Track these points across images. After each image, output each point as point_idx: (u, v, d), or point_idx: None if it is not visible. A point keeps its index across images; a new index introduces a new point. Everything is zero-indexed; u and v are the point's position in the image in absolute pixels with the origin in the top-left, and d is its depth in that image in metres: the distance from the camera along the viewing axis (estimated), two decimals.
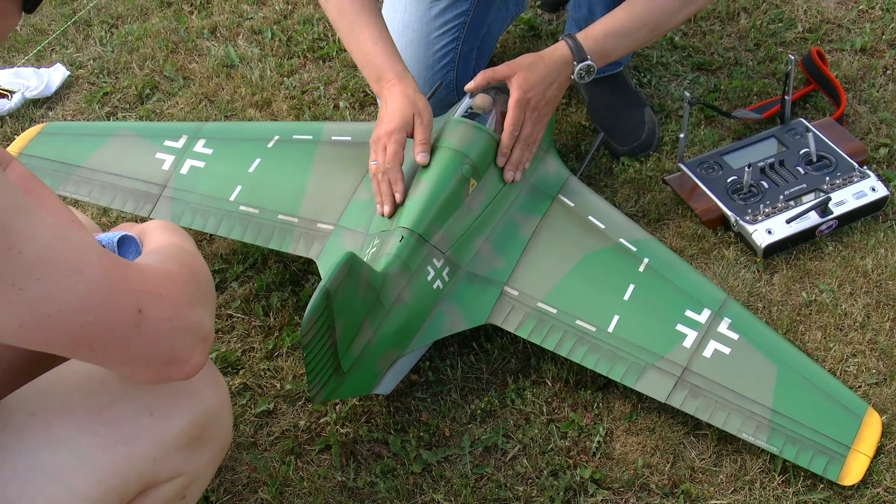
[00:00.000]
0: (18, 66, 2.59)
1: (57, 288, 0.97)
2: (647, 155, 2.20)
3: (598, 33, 1.89)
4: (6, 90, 2.52)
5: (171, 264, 1.15)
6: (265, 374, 1.85)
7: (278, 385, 1.82)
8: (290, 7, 2.83)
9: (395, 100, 1.80)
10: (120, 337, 1.03)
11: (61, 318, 0.98)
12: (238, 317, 1.95)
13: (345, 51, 2.59)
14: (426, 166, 1.78)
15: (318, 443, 1.73)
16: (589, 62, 1.87)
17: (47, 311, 0.97)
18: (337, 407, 1.77)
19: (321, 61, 2.63)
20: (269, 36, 2.72)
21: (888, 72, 2.38)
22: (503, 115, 1.87)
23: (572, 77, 1.89)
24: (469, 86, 1.88)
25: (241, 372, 1.85)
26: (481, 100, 1.89)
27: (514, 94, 1.84)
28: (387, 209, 1.75)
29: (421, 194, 1.74)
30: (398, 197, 1.74)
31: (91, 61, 2.70)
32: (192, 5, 2.90)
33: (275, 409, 1.79)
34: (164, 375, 1.12)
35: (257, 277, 2.02)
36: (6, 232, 0.93)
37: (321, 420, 1.76)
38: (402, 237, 1.68)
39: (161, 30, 2.78)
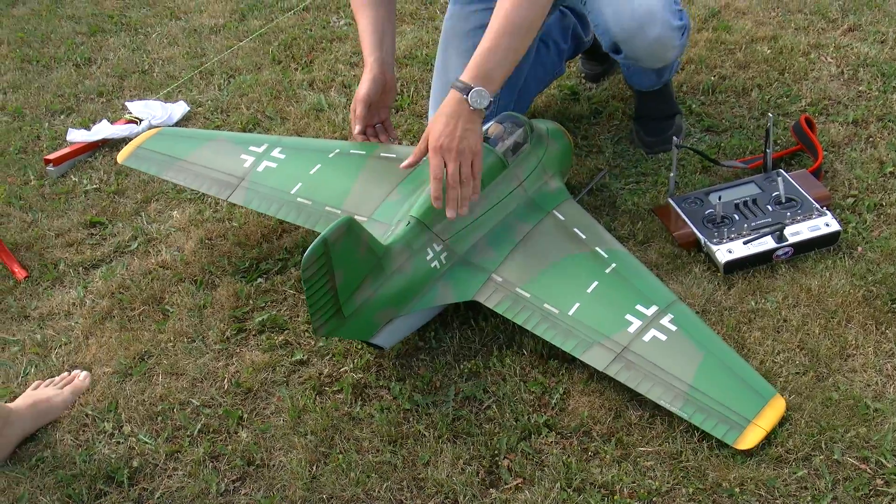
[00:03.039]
0: (150, 100, 3.18)
1: None
2: (668, 148, 2.69)
3: (473, 61, 2.15)
4: (137, 118, 3.11)
5: None
6: (304, 334, 2.31)
7: (313, 342, 2.28)
8: None
9: (361, 87, 2.45)
10: None
11: None
12: (291, 293, 2.43)
13: (414, 102, 3.10)
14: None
15: (336, 385, 2.17)
16: (476, 88, 2.11)
17: None
18: (354, 360, 2.21)
19: (394, 110, 3.13)
20: (355, 88, 3.24)
21: (871, 139, 2.74)
22: (514, 144, 2.32)
23: (472, 107, 2.11)
24: (404, 164, 2.23)
25: (285, 332, 2.32)
26: (494, 128, 2.36)
27: (429, 147, 2.15)
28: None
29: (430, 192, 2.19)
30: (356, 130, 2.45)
31: (209, 101, 3.28)
32: (297, 63, 3.46)
33: (307, 360, 2.24)
34: None
35: None
36: None
37: (341, 369, 2.20)
38: (409, 223, 2.14)
39: (269, 80, 3.35)
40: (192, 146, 2.56)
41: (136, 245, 2.64)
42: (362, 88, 2.45)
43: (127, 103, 3.21)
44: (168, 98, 3.29)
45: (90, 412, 2.15)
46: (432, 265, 2.16)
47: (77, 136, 3.05)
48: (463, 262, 2.21)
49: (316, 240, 1.86)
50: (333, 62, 3.44)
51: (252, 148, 2.52)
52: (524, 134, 2.38)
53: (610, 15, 2.45)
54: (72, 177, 2.95)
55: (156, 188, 2.86)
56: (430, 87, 3.17)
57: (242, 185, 2.45)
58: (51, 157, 2.96)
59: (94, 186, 2.90)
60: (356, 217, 2.24)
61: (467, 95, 2.12)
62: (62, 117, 3.29)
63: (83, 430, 2.13)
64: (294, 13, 3.79)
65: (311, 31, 3.68)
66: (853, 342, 2.12)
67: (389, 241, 2.10)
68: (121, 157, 2.62)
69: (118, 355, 2.28)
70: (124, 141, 3.03)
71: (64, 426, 2.13)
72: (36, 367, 2.29)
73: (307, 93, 3.27)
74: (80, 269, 2.59)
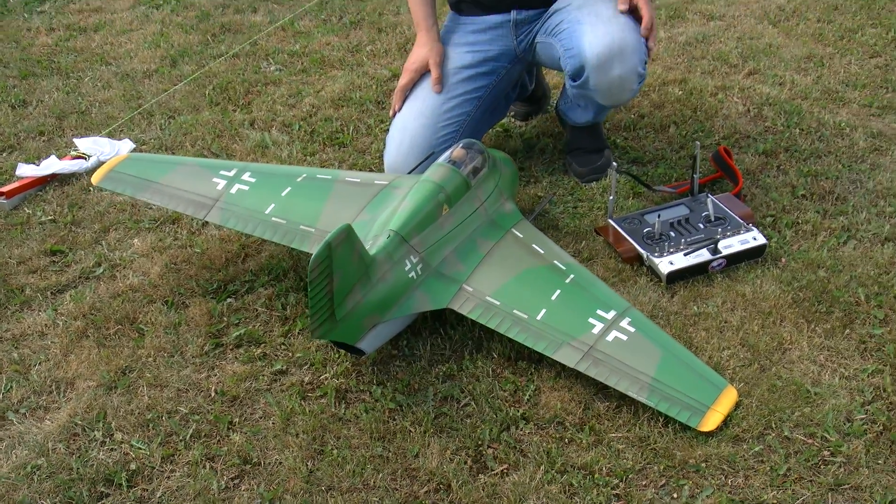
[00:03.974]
0: (97, 136, 3.27)
1: None
2: (599, 178, 2.97)
3: None
4: (85, 154, 3.18)
5: None
6: (281, 346, 2.43)
7: (290, 354, 2.40)
8: (314, 109, 3.53)
9: (418, 45, 2.90)
10: None
11: None
12: (263, 310, 2.54)
13: (355, 139, 3.27)
14: (410, 194, 2.40)
15: (318, 391, 2.29)
16: None
17: None
18: (333, 368, 2.34)
19: (337, 147, 3.29)
20: (297, 128, 3.41)
21: (781, 167, 3.04)
22: (474, 168, 2.52)
23: None
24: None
25: (262, 345, 2.43)
26: (458, 152, 2.54)
27: None
28: (393, 112, 2.93)
29: (407, 208, 2.37)
30: (397, 107, 2.90)
31: (152, 140, 3.37)
32: (235, 105, 3.60)
33: (287, 369, 2.36)
34: None
35: (278, 285, 2.62)
36: None
37: (321, 377, 2.33)
38: (390, 236, 2.30)
39: (210, 120, 3.47)
40: (164, 170, 2.67)
41: (101, 270, 2.72)
42: (434, 51, 2.89)
43: (75, 139, 3.28)
44: (112, 136, 3.37)
45: (79, 422, 2.21)
46: (410, 275, 2.32)
47: (27, 170, 3.10)
48: (436, 274, 2.37)
49: (321, 245, 2.00)
50: (271, 103, 3.58)
51: (222, 172, 2.65)
52: (483, 160, 2.58)
53: (587, 40, 2.69)
54: (25, 209, 3.00)
55: (112, 219, 2.94)
56: (367, 126, 3.37)
57: (218, 205, 2.57)
58: (3, 189, 3.01)
59: (50, 218, 2.95)
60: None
61: None
62: (4, 155, 3.33)
63: (74, 439, 2.19)
64: (225, 59, 3.92)
65: (244, 75, 3.81)
66: (788, 338, 2.36)
67: (374, 251, 2.25)
68: (95, 178, 2.70)
69: (100, 370, 2.35)
70: (74, 175, 3.10)
71: (54, 436, 2.18)
72: (17, 382, 2.34)
73: (249, 131, 3.40)
74: (48, 293, 2.64)
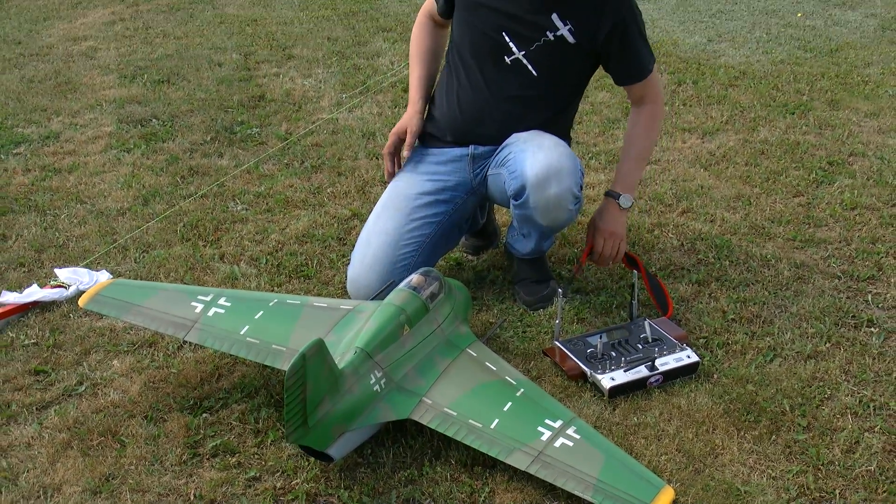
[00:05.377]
0: (76, 267, 3.48)
1: None
2: (546, 306, 3.23)
3: (620, 177, 3.25)
4: (65, 283, 3.39)
5: None
6: (254, 455, 2.61)
7: (263, 462, 2.58)
8: (280, 245, 3.78)
9: (405, 114, 3.35)
10: None
11: None
12: (237, 424, 2.73)
13: (318, 273, 3.53)
14: (374, 315, 2.65)
15: (290, 495, 2.47)
16: (623, 195, 3.22)
17: None
18: (303, 474, 2.53)
19: (302, 279, 3.54)
20: (264, 261, 3.65)
21: (713, 295, 3.33)
22: (432, 293, 2.77)
23: (621, 207, 3.23)
24: None
25: (236, 454, 2.61)
26: (418, 279, 2.80)
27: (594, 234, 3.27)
28: (386, 174, 3.37)
29: (372, 327, 2.61)
30: (388, 169, 3.35)
31: (128, 272, 3.59)
32: (205, 241, 3.84)
33: (260, 476, 2.54)
34: None
35: (251, 401, 2.81)
36: None
37: (293, 482, 2.51)
38: (356, 352, 2.53)
39: (182, 254, 3.71)
40: (145, 294, 2.89)
41: (83, 388, 2.89)
42: (414, 120, 3.32)
43: (55, 270, 3.48)
44: (89, 267, 3.58)
45: None
46: (375, 388, 2.53)
47: (10, 297, 3.30)
48: (398, 388, 2.60)
49: (296, 354, 2.23)
50: (240, 239, 3.83)
51: (200, 297, 2.87)
52: (440, 286, 2.84)
53: (529, 163, 3.03)
54: (9, 332, 3.18)
55: (92, 342, 3.13)
56: (330, 261, 3.62)
57: (196, 326, 2.78)
58: None
59: (32, 341, 3.14)
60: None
61: (618, 200, 3.18)
62: None
63: None
64: (194, 199, 4.18)
65: (212, 213, 4.07)
66: (720, 444, 2.60)
67: (342, 366, 2.47)
68: (82, 301, 2.91)
69: (85, 476, 2.51)
70: (55, 303, 3.30)
71: None
72: (6, 488, 2.49)
73: (219, 265, 3.64)
74: (34, 408, 2.81)
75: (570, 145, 3.26)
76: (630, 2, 3.12)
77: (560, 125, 3.30)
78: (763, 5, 7.25)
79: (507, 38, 3.13)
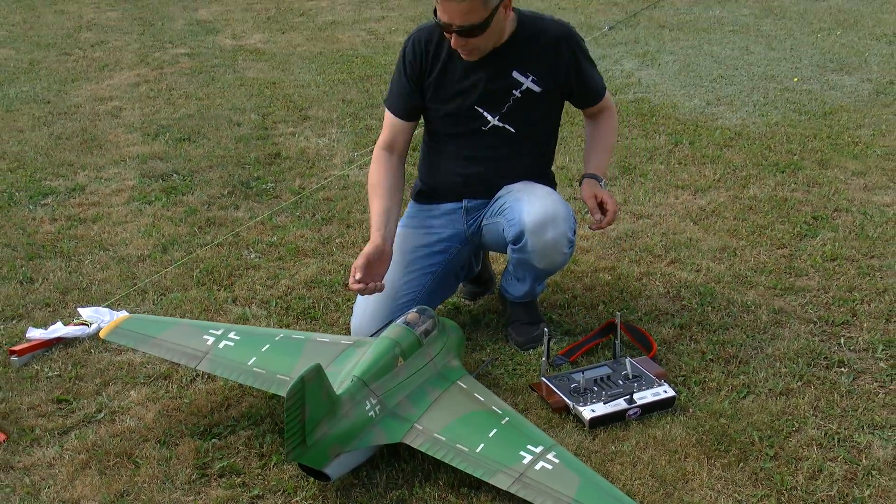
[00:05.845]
0: (99, 307, 3.73)
1: None
2: (535, 346, 3.42)
3: (597, 165, 3.48)
4: (87, 321, 3.63)
5: None
6: (258, 476, 2.82)
7: (266, 482, 2.79)
8: (289, 289, 4.02)
9: (366, 248, 3.21)
10: None
11: None
12: (243, 448, 2.95)
13: (325, 314, 3.76)
14: (371, 348, 2.88)
15: None
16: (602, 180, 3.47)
17: None
18: (303, 493, 2.73)
19: (309, 320, 3.77)
20: (274, 304, 3.89)
21: (693, 338, 3.54)
22: (426, 329, 3.00)
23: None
24: None
25: (242, 475, 2.83)
26: (412, 315, 3.03)
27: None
28: (352, 280, 3.20)
29: (368, 358, 2.84)
30: (354, 287, 3.19)
31: (146, 312, 3.83)
32: (219, 285, 4.08)
33: (263, 494, 2.75)
34: None
35: (257, 428, 3.03)
36: None
37: (293, 500, 2.72)
38: (353, 380, 2.76)
39: (197, 297, 3.95)
40: (161, 328, 3.14)
41: (102, 416, 3.12)
42: (367, 250, 3.22)
43: (79, 309, 3.73)
44: (110, 308, 3.83)
45: None
46: (369, 414, 2.75)
47: (36, 333, 3.54)
48: (392, 414, 2.81)
49: (296, 378, 2.46)
50: (252, 284, 4.07)
51: (211, 331, 3.12)
52: (433, 323, 3.07)
53: (526, 211, 3.27)
54: (34, 365, 3.42)
55: (111, 375, 3.36)
56: (336, 304, 3.85)
57: (207, 357, 3.02)
58: (16, 348, 3.44)
59: (56, 373, 3.37)
60: None
61: (600, 182, 3.43)
62: (14, 322, 3.77)
63: None
64: (210, 247, 4.43)
65: (227, 261, 4.31)
66: (691, 470, 2.80)
67: (340, 392, 2.70)
68: (103, 333, 3.17)
69: (101, 493, 2.73)
70: (77, 339, 3.55)
71: None
72: (28, 502, 2.71)
73: (232, 307, 3.88)
74: (55, 433, 3.04)
75: (553, 179, 3.58)
76: (574, 34, 3.41)
77: (543, 164, 3.59)
78: (762, 71, 7.52)
79: (480, 111, 3.40)
